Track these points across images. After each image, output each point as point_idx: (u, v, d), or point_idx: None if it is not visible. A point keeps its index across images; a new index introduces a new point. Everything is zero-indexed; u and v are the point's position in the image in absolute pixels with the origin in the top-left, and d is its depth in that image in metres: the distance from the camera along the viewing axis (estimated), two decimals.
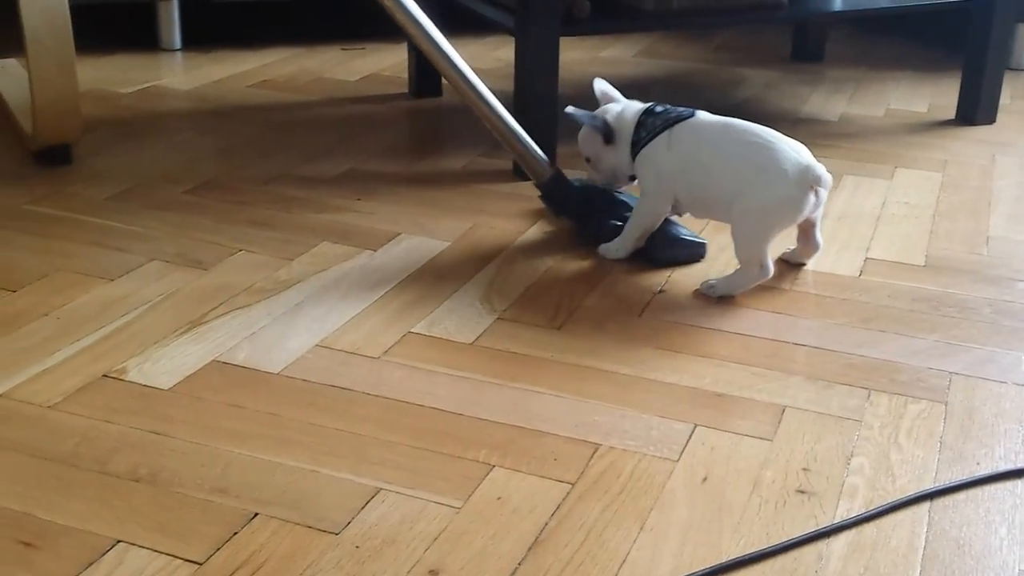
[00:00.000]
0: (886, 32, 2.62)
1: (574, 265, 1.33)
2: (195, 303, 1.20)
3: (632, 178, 1.35)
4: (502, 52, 2.35)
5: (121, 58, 2.18)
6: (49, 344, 1.10)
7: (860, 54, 2.43)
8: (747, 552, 0.83)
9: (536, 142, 1.41)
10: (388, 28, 2.50)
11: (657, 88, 2.13)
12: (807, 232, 1.30)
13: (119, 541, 0.82)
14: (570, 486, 0.91)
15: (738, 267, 1.25)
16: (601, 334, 1.16)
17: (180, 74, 2.11)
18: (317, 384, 1.05)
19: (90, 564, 0.79)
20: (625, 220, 1.34)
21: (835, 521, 0.87)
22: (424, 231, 1.41)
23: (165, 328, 1.14)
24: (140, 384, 1.03)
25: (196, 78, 2.08)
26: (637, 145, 1.30)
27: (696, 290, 1.26)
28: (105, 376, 1.04)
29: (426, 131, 1.85)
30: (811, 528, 0.86)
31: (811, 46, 2.35)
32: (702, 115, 1.29)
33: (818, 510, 0.88)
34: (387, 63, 2.24)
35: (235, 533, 0.83)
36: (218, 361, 1.08)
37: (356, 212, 1.47)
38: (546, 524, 0.86)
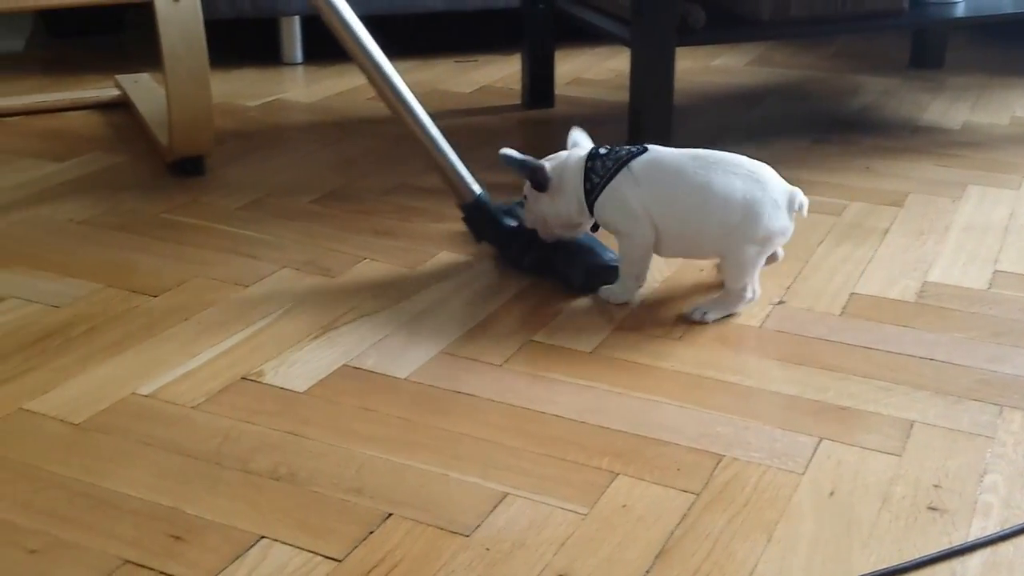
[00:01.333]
0: (1009, 37, 2.55)
1: (691, 276, 1.33)
2: (325, 309, 1.24)
3: (596, 227, 1.29)
4: (614, 62, 2.36)
5: (246, 72, 2.26)
6: (190, 347, 1.15)
7: (982, 60, 2.37)
8: (879, 568, 0.82)
9: None
10: (500, 40, 2.55)
11: (771, 97, 2.12)
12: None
13: (262, 537, 0.86)
14: (695, 496, 0.92)
15: (724, 291, 1.23)
16: (721, 345, 1.16)
17: (302, 87, 2.18)
18: (443, 390, 1.08)
19: (236, 558, 0.83)
20: (548, 249, 1.31)
21: (969, 539, 0.86)
22: None
23: (298, 333, 1.18)
24: (277, 387, 1.08)
25: (317, 91, 2.14)
26: (592, 193, 1.24)
27: (684, 314, 1.23)
28: (244, 378, 1.09)
29: (540, 141, 1.87)
30: (944, 546, 0.85)
31: (931, 52, 2.30)
32: (659, 149, 1.24)
33: (951, 527, 0.87)
34: (500, 75, 2.27)
35: (371, 532, 0.87)
36: (348, 366, 1.12)
37: None
38: (672, 533, 0.87)
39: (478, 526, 0.88)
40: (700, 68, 2.35)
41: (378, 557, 0.84)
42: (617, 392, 1.08)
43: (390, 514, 0.89)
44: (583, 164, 1.25)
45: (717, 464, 0.96)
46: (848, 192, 1.59)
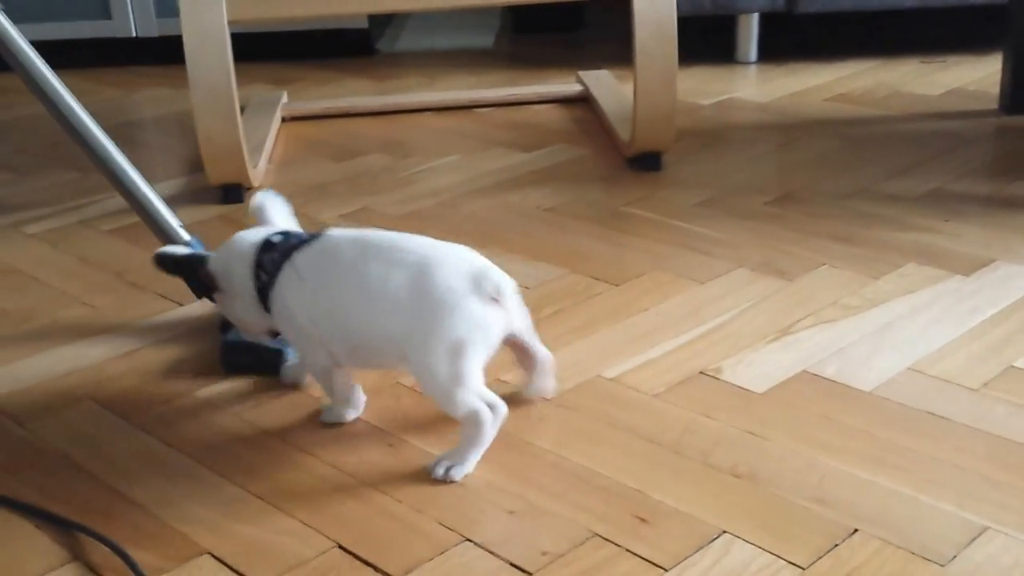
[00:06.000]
0: None
1: None
2: (782, 312, 1.22)
3: (277, 332, 1.05)
4: None
5: (700, 70, 2.29)
6: (650, 337, 1.18)
7: None
8: None
9: None
10: (974, 39, 2.37)
11: None
12: (523, 352, 1.01)
13: (724, 532, 0.86)
14: None
15: (459, 428, 0.95)
16: None
17: (755, 87, 2.17)
18: (911, 408, 1.02)
19: (699, 548, 0.84)
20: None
21: None
22: (1023, 259, 1.31)
23: (755, 334, 1.17)
24: (734, 385, 1.08)
25: (771, 91, 2.12)
26: (264, 291, 1.00)
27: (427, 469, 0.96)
28: (702, 373, 1.10)
29: (1021, 151, 1.72)
30: None
31: None
32: (334, 233, 0.99)
33: None
34: (972, 76, 2.12)
35: (836, 545, 0.84)
36: (808, 372, 1.09)
37: (943, 234, 1.40)
38: None
39: (954, 557, 0.82)
40: None
41: (844, 572, 0.81)
42: None
43: (856, 530, 0.86)
44: (253, 255, 1.00)
45: None
46: None
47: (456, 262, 0.94)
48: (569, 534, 0.87)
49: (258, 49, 2.48)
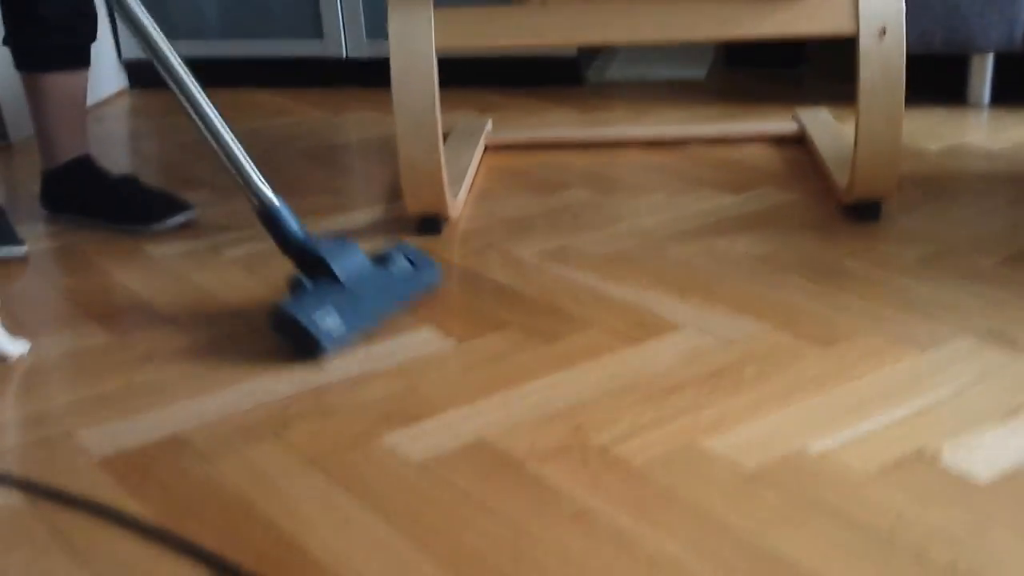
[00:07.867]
0: None
1: None
2: (1011, 389, 1.10)
3: None
4: None
5: (926, 112, 2.15)
6: (862, 409, 1.09)
7: None
8: None
9: None
10: None
11: None
12: None
13: None
14: None
15: None
16: None
17: (988, 132, 2.01)
18: None
19: None
20: (325, 283, 1.29)
21: None
22: None
23: (980, 412, 1.07)
24: (955, 472, 0.98)
25: (1006, 138, 1.96)
26: None
27: None
28: (919, 454, 1.00)
29: None
30: None
31: None
32: None
33: None
34: None
35: None
36: None
37: None
38: None
39: None
40: None
41: None
42: None
43: None
44: None
45: None
46: None
47: None
48: None
49: (466, 75, 2.50)
